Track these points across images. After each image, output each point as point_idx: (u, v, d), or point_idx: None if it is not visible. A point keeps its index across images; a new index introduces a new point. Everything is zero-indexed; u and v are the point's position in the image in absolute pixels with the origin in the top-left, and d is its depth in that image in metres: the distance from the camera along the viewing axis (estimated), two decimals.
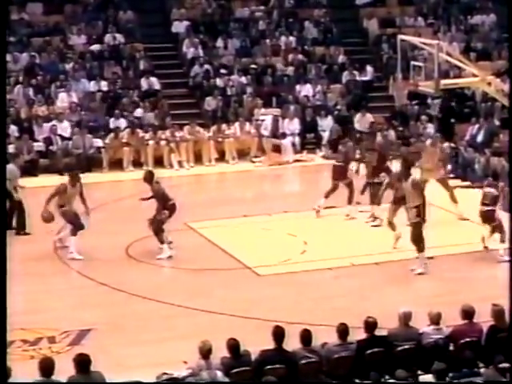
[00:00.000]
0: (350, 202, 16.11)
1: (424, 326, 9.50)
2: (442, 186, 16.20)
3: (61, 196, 14.28)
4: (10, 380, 8.05)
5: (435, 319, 9.49)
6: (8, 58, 22.36)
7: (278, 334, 8.85)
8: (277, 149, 21.35)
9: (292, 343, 8.94)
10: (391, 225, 14.28)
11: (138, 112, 21.61)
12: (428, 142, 17.38)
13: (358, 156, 16.50)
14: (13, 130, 20.03)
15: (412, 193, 13.29)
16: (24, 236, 15.34)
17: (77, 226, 14.16)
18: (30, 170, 19.28)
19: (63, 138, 20.63)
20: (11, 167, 15.42)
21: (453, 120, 21.76)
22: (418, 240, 13.27)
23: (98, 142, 20.70)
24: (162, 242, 14.12)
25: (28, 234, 15.44)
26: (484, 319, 9.57)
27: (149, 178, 14.29)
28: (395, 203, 14.21)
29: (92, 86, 22.39)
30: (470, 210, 15.06)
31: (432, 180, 15.92)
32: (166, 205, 14.06)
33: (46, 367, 8.10)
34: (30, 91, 21.73)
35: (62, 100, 21.70)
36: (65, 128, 20.85)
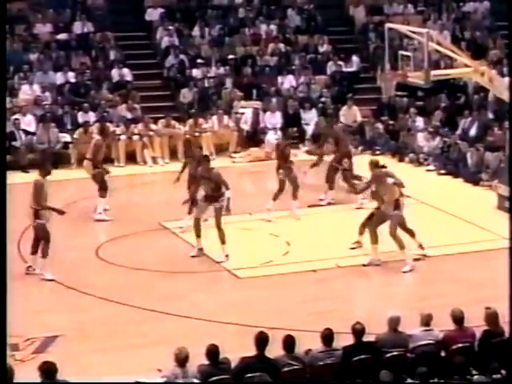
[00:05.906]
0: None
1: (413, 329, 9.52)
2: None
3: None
4: None
5: (425, 320, 9.50)
6: None
7: (262, 340, 8.81)
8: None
9: (274, 350, 8.92)
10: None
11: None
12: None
13: None
14: None
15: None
16: None
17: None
18: None
19: (27, 133, 20.51)
20: None
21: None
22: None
23: (66, 137, 20.60)
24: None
25: None
26: (477, 323, 9.59)
27: None
28: None
29: (58, 77, 22.28)
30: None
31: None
32: None
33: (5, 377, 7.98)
34: None
35: (26, 92, 21.59)
36: (29, 122, 20.76)
